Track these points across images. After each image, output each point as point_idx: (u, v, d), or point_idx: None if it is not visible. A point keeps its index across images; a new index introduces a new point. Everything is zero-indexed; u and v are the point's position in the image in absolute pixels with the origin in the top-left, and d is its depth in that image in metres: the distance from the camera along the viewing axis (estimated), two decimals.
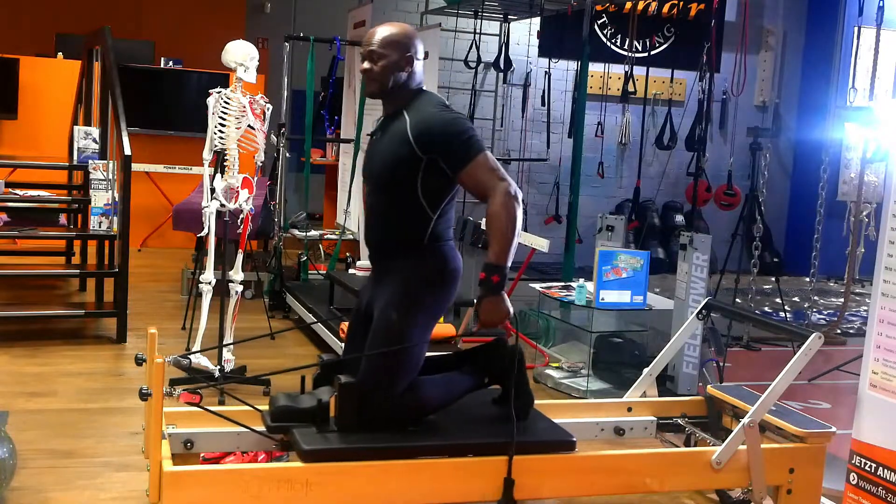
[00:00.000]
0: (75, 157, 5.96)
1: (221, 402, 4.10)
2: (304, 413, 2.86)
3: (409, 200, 2.90)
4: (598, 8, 9.14)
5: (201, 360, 4.49)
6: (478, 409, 3.11)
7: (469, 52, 8.47)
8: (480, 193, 2.85)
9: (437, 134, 2.84)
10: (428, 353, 3.03)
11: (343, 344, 3.17)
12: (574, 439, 2.97)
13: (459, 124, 2.87)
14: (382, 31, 2.96)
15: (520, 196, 2.84)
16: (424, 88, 3.03)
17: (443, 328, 4.49)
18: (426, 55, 3.04)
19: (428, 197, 2.90)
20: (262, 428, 2.94)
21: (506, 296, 2.84)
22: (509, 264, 2.82)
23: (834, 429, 3.18)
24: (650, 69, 8.82)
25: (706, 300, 3.75)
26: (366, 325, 3.00)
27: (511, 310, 2.83)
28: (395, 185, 2.92)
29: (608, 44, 9.70)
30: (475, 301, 2.88)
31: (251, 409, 2.99)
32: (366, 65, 2.94)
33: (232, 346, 4.64)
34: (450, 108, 2.97)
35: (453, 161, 2.84)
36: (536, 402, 3.16)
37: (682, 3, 9.70)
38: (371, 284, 3.09)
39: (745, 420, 3.04)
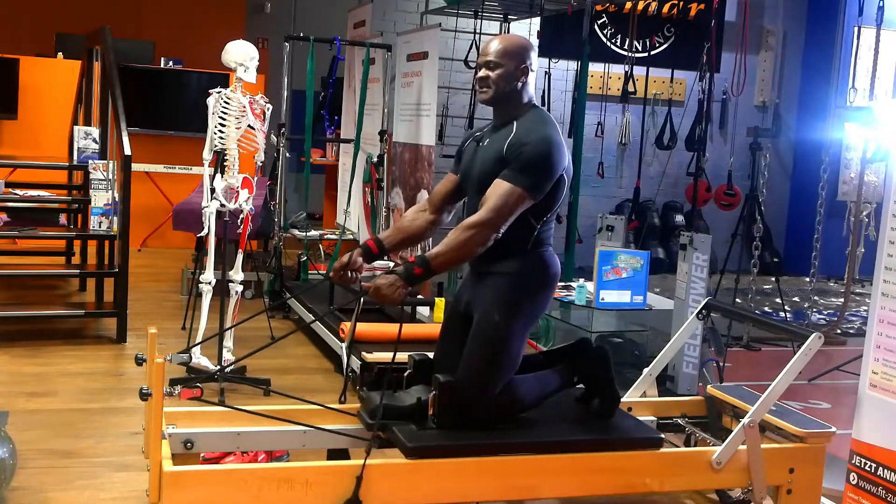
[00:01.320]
0: (75, 157, 5.96)
1: (222, 402, 4.09)
2: (404, 411, 2.93)
3: None
4: (598, 8, 9.14)
5: (201, 360, 4.50)
6: (565, 407, 3.21)
7: (469, 52, 8.47)
8: (482, 204, 2.90)
9: (527, 144, 2.89)
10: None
11: (437, 343, 3.21)
12: (662, 437, 3.08)
13: (546, 152, 2.89)
14: (501, 42, 3.05)
15: (489, 244, 2.88)
16: (536, 104, 3.08)
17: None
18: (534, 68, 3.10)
19: (532, 208, 2.93)
20: (331, 425, 2.99)
21: (409, 289, 2.87)
22: (436, 274, 2.90)
23: (834, 429, 3.18)
24: (650, 69, 8.82)
25: (706, 300, 3.75)
26: (463, 325, 3.07)
27: (401, 301, 2.86)
28: None
29: (608, 44, 9.70)
30: (386, 272, 2.92)
31: (312, 404, 3.03)
32: (482, 73, 3.03)
33: (232, 346, 4.65)
34: (558, 134, 2.98)
35: (509, 168, 2.88)
36: None
37: (682, 3, 9.69)
38: (470, 286, 3.13)
39: (745, 420, 3.04)
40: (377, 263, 5.50)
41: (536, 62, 3.10)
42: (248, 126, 4.55)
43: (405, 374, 3.10)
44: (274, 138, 6.48)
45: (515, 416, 3.03)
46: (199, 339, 4.56)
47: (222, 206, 4.51)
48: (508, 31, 8.69)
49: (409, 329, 4.58)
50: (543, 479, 2.89)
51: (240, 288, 4.71)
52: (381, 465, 2.74)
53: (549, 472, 2.90)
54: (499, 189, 2.87)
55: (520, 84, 3.02)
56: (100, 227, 5.53)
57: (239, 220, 4.61)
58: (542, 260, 3.03)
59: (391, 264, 5.02)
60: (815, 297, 7.16)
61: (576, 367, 3.20)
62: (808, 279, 6.79)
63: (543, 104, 9.19)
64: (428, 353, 3.18)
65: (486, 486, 2.84)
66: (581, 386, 3.26)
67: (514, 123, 3.00)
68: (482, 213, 2.87)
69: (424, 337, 4.41)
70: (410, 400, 2.96)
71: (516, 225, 2.94)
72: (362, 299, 3.54)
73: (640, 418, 3.45)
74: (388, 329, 4.61)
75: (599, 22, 9.63)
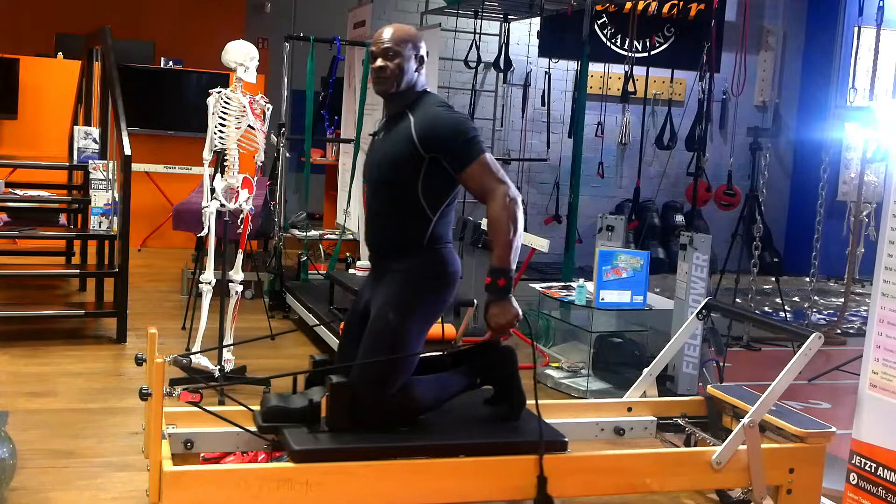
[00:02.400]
0: (75, 157, 5.96)
1: (221, 403, 4.09)
2: (295, 413, 2.86)
3: (409, 201, 2.91)
4: (598, 8, 9.14)
5: (201, 360, 4.49)
6: (470, 409, 3.11)
7: (469, 52, 8.48)
8: (480, 194, 2.87)
9: (442, 133, 2.86)
10: (423, 354, 3.03)
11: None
12: (566, 439, 2.97)
13: (464, 125, 2.89)
14: (394, 30, 2.98)
15: (519, 198, 2.86)
16: (428, 90, 3.05)
17: (443, 328, 4.48)
18: (427, 55, 3.06)
19: (428, 198, 2.91)
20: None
21: (513, 299, 2.84)
22: (514, 266, 2.83)
23: (834, 429, 3.18)
24: (650, 69, 8.82)
25: (706, 300, 3.76)
26: (362, 324, 3.00)
27: (520, 312, 2.83)
28: (396, 185, 2.93)
29: (608, 44, 9.70)
30: (485, 306, 2.87)
31: (247, 409, 2.98)
32: (380, 62, 2.94)
33: (232, 347, 4.64)
34: (453, 108, 2.99)
35: (456, 161, 2.86)
36: (540, 402, 3.16)
37: (682, 3, 9.69)
38: (370, 284, 3.09)
39: (745, 420, 3.04)
40: (361, 264, 5.51)
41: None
42: (248, 126, 4.55)
43: (306, 376, 3.04)
44: (274, 138, 6.48)
45: (413, 418, 2.93)
46: (199, 339, 4.56)
47: (222, 206, 4.51)
48: (508, 32, 8.70)
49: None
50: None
51: (240, 288, 4.71)
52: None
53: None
54: (475, 174, 2.84)
55: (416, 74, 2.98)
56: (100, 227, 5.53)
57: (239, 220, 4.61)
58: (440, 257, 2.96)
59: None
60: (815, 297, 7.16)
61: (481, 369, 3.11)
62: (808, 279, 6.79)
63: (543, 104, 9.21)
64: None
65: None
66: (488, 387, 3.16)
67: (409, 113, 2.94)
68: (490, 194, 2.82)
69: (434, 337, 4.39)
70: (302, 402, 2.88)
71: (411, 219, 2.91)
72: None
73: (641, 418, 3.46)
74: None
75: (599, 22, 9.63)
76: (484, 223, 6.34)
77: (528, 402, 3.09)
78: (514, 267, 2.83)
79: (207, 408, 2.92)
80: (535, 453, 2.85)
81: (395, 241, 2.96)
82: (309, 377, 3.04)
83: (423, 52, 2.99)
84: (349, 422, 2.83)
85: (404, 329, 2.90)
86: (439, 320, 3.58)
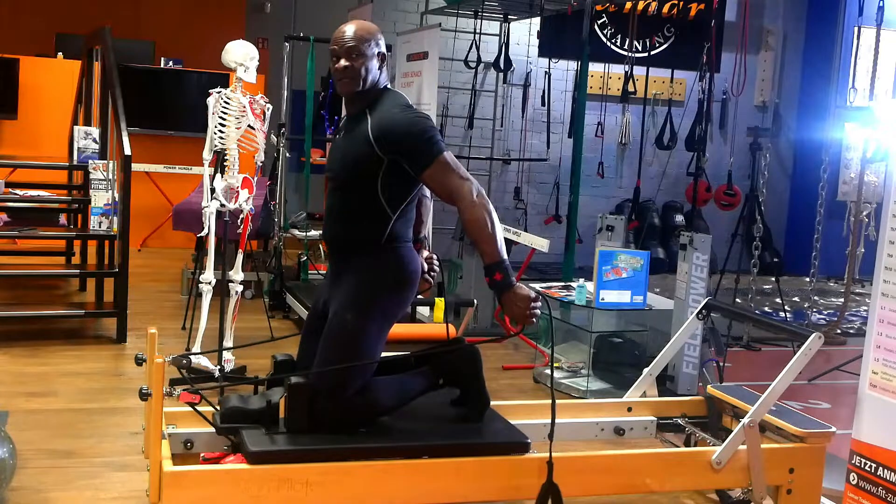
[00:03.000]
0: (75, 157, 5.96)
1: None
2: (253, 414, 2.84)
3: (368, 199, 2.88)
4: (598, 8, 9.14)
5: (201, 361, 4.50)
6: (434, 410, 3.08)
7: (469, 52, 8.47)
8: (444, 194, 2.83)
9: (399, 135, 2.82)
10: (385, 354, 3.00)
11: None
12: (528, 441, 2.94)
13: (420, 124, 2.83)
14: (355, 28, 2.93)
15: (483, 192, 2.82)
16: (389, 87, 3.00)
17: (440, 328, 4.49)
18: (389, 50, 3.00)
19: (388, 197, 2.88)
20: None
21: (520, 285, 2.78)
22: (504, 256, 2.78)
23: (834, 429, 3.18)
24: (650, 69, 8.82)
25: (706, 300, 3.75)
26: (321, 323, 2.97)
27: (531, 293, 2.77)
28: (355, 184, 2.89)
29: (608, 44, 9.70)
30: (499, 305, 2.85)
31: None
32: (343, 62, 2.89)
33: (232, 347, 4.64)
34: (412, 107, 2.93)
35: (415, 162, 2.82)
36: (539, 402, 3.17)
37: (682, 3, 9.69)
38: (328, 283, 3.06)
39: (745, 420, 3.04)
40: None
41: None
42: (248, 126, 4.55)
43: (267, 376, 3.01)
44: (274, 138, 6.48)
45: (373, 419, 2.90)
46: (199, 339, 4.56)
47: (222, 206, 4.51)
48: (508, 32, 8.70)
49: (410, 329, 4.57)
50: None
51: (240, 288, 4.71)
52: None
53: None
54: (437, 174, 2.80)
55: (379, 72, 2.94)
56: (100, 227, 5.53)
57: (239, 220, 4.61)
58: (398, 256, 2.93)
59: None
60: (815, 297, 7.16)
61: (442, 369, 3.07)
62: (808, 279, 6.79)
63: (543, 104, 9.20)
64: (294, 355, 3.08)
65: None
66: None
67: (367, 113, 2.89)
68: (455, 194, 2.78)
69: (425, 337, 4.40)
70: (261, 403, 2.85)
71: (370, 217, 2.88)
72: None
73: (641, 418, 3.46)
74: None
75: (599, 22, 9.63)
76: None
77: (493, 402, 3.09)
78: (504, 256, 2.78)
79: (200, 409, 2.91)
80: (498, 454, 2.85)
81: (354, 239, 2.93)
82: (271, 377, 3.00)
83: (383, 48, 2.95)
84: (307, 423, 2.80)
85: (363, 329, 2.86)
86: (443, 322, 3.59)
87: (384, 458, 2.77)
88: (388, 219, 2.89)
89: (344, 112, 3.05)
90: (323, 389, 2.81)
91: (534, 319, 2.77)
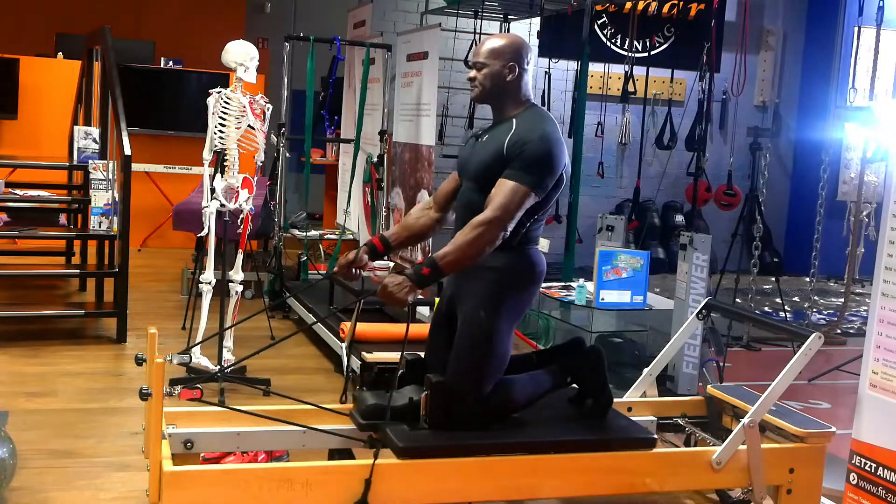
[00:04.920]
0: (75, 157, 5.96)
1: (221, 402, 4.09)
2: (395, 411, 2.93)
3: None
4: (598, 8, 9.14)
5: (201, 360, 4.50)
6: (558, 407, 3.21)
7: (469, 52, 8.47)
8: (487, 203, 2.88)
9: (525, 144, 2.89)
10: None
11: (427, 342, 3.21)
12: (655, 437, 3.08)
13: (547, 150, 2.90)
14: (491, 42, 3.10)
15: (503, 236, 2.87)
16: (535, 103, 3.10)
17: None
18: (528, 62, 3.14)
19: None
20: (331, 426, 3.00)
21: (417, 291, 2.86)
22: (442, 272, 2.86)
23: (834, 429, 3.18)
24: (650, 69, 8.82)
25: (706, 300, 3.75)
26: (448, 320, 3.07)
27: (408, 303, 2.85)
28: (492, 187, 2.94)
29: (608, 44, 9.70)
30: (394, 272, 2.95)
31: (308, 404, 3.03)
32: (472, 73, 3.10)
33: (232, 346, 4.65)
34: (557, 132, 2.99)
35: (511, 168, 2.88)
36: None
37: (682, 3, 9.69)
38: (454, 282, 3.12)
39: (745, 420, 3.04)
40: (377, 263, 5.51)
41: (532, 61, 3.12)
42: (248, 126, 4.55)
43: (398, 374, 3.09)
44: (274, 138, 6.48)
45: (508, 415, 3.01)
46: (199, 339, 4.56)
47: (222, 206, 4.51)
48: (508, 31, 8.69)
49: (410, 329, 4.57)
50: (537, 480, 2.88)
51: (240, 288, 4.71)
52: (378, 466, 2.73)
53: (543, 473, 2.89)
54: (504, 188, 2.87)
55: (509, 82, 3.04)
56: (100, 227, 5.53)
57: (239, 220, 4.61)
58: (529, 257, 3.02)
59: (391, 264, 5.02)
60: (815, 297, 7.16)
61: (569, 367, 3.19)
62: (808, 279, 6.79)
63: (543, 104, 9.19)
64: (422, 353, 3.18)
65: (478, 486, 2.83)
66: (575, 386, 3.25)
67: (514, 121, 3.00)
68: (489, 211, 2.85)
69: (424, 337, 4.40)
70: (402, 400, 2.96)
71: None
72: (362, 299, 3.56)
73: (641, 418, 3.46)
74: (388, 329, 4.61)
75: (599, 22, 9.63)
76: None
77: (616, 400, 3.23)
78: (443, 271, 2.85)
79: (208, 408, 2.92)
80: (626, 450, 2.99)
81: None
82: (403, 376, 3.08)
83: (518, 60, 3.07)
84: (447, 420, 2.90)
85: (495, 327, 2.95)
86: None
87: (523, 452, 2.91)
88: (523, 225, 2.96)
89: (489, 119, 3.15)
90: (461, 387, 2.91)
91: (379, 296, 2.84)
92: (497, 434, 2.95)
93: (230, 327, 4.58)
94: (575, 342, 3.26)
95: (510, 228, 2.88)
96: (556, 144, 2.94)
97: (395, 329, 4.57)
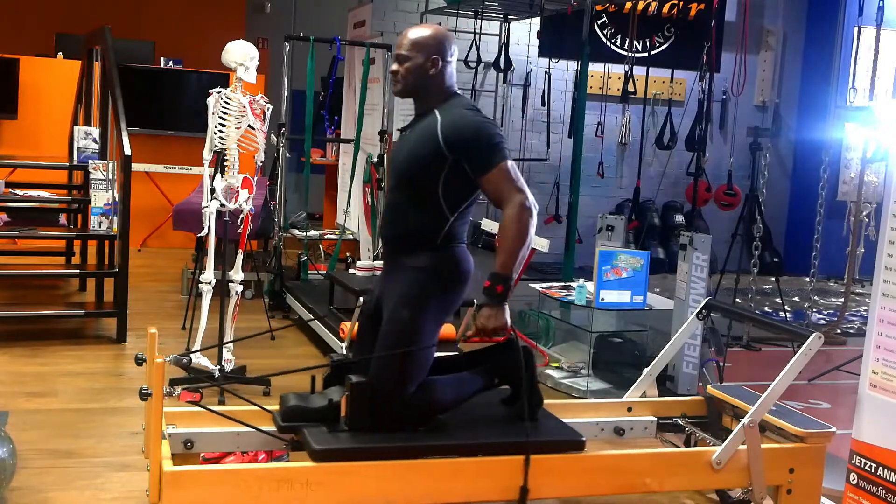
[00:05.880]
0: (75, 157, 5.96)
1: (221, 402, 4.09)
2: (315, 413, 2.88)
3: (428, 199, 2.93)
4: (598, 8, 9.14)
5: (201, 360, 4.49)
6: (487, 409, 3.13)
7: (469, 52, 8.47)
8: (497, 201, 2.89)
9: (467, 135, 2.88)
10: (437, 354, 3.04)
11: (343, 343, 3.18)
12: (584, 439, 2.99)
13: (489, 129, 2.91)
14: (412, 34, 3.02)
15: (535, 209, 2.88)
16: (458, 92, 3.06)
17: (444, 329, 4.49)
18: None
19: (448, 198, 2.93)
20: (268, 427, 2.95)
21: (506, 307, 2.85)
22: (515, 276, 2.85)
23: (834, 429, 3.18)
24: (650, 69, 8.82)
25: (706, 300, 3.75)
26: (375, 321, 3.02)
27: (509, 321, 2.85)
28: (417, 182, 2.94)
29: (608, 44, 9.70)
30: (476, 307, 2.91)
31: (257, 408, 2.98)
32: (394, 66, 3.02)
33: (232, 346, 4.64)
34: (481, 112, 3.01)
35: (477, 164, 2.88)
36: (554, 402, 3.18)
37: (682, 3, 9.69)
38: (382, 281, 3.10)
39: (745, 420, 3.04)
40: (361, 264, 5.51)
41: (456, 53, 3.07)
42: (248, 126, 4.55)
43: (324, 376, 3.04)
44: (274, 138, 6.48)
45: (432, 417, 2.95)
46: (199, 339, 4.56)
47: (222, 206, 4.51)
48: (508, 32, 8.70)
49: None
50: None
51: (240, 288, 4.71)
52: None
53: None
54: (493, 179, 2.86)
55: (432, 76, 2.99)
56: (100, 227, 5.53)
57: (239, 220, 4.61)
58: (454, 256, 2.98)
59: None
60: (815, 297, 7.15)
61: (498, 368, 3.12)
62: (808, 279, 6.79)
63: (543, 104, 9.20)
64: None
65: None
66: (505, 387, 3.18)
67: (436, 112, 2.96)
68: (506, 202, 2.84)
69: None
70: (322, 402, 2.90)
71: (429, 216, 2.93)
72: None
73: (641, 418, 3.46)
74: None
75: (599, 22, 9.63)
76: (483, 223, 6.34)
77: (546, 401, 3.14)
78: (514, 276, 2.84)
79: (211, 408, 2.92)
80: (555, 452, 2.90)
81: (411, 236, 2.98)
82: (327, 377, 3.04)
83: (441, 53, 2.99)
84: (369, 421, 2.85)
85: (419, 327, 2.91)
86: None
87: (445, 455, 2.82)
88: (446, 219, 2.94)
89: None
90: (382, 388, 2.86)
91: (490, 338, 2.87)
92: (419, 437, 2.87)
93: (232, 340, 4.59)
94: (506, 343, 3.17)
95: (530, 196, 2.87)
96: (485, 118, 2.96)
97: None
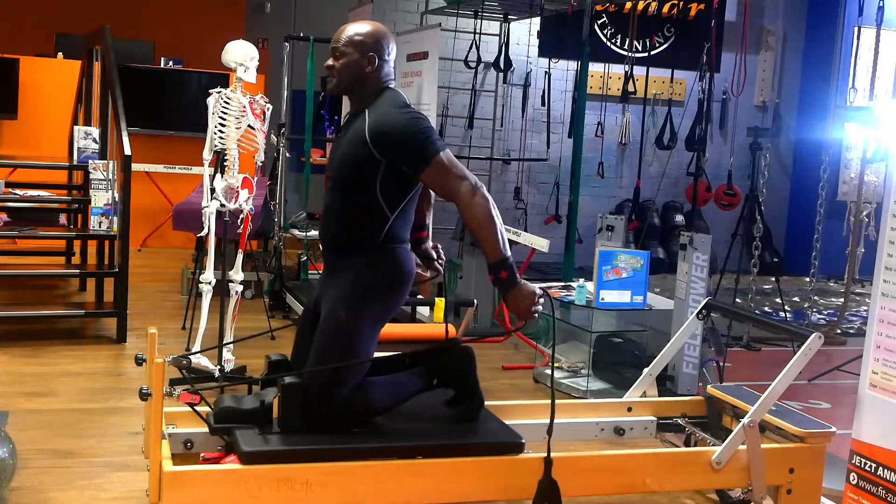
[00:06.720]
0: (75, 157, 5.96)
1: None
2: (247, 414, 2.82)
3: (366, 199, 2.87)
4: (598, 8, 9.14)
5: (201, 360, 4.49)
6: (429, 410, 3.08)
7: (469, 52, 8.47)
8: (444, 194, 2.84)
9: (394, 136, 2.81)
10: (379, 354, 2.99)
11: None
12: (522, 441, 2.93)
13: (415, 125, 2.82)
14: (348, 30, 2.96)
15: (482, 187, 2.81)
16: (391, 87, 2.99)
17: (439, 328, 4.49)
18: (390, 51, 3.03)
19: (387, 196, 2.87)
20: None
21: (524, 282, 2.79)
22: (508, 253, 2.79)
23: (834, 429, 3.18)
24: (650, 69, 8.82)
25: (706, 300, 3.75)
26: (314, 323, 2.96)
27: (536, 289, 2.78)
28: (353, 183, 2.88)
29: (608, 44, 9.70)
30: (503, 301, 2.86)
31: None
32: (329, 62, 2.96)
33: (232, 346, 4.64)
34: (409, 107, 2.92)
35: (412, 163, 2.81)
36: (538, 402, 3.16)
37: (682, 3, 9.69)
38: (321, 282, 3.05)
39: (745, 420, 3.04)
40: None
41: (394, 51, 3.01)
42: (248, 126, 4.55)
43: (261, 376, 3.00)
44: (274, 138, 6.48)
45: (367, 419, 2.89)
46: (199, 339, 4.56)
47: (222, 206, 4.51)
48: (508, 32, 8.70)
49: (410, 329, 4.57)
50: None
51: (240, 288, 4.71)
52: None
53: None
54: (434, 173, 2.80)
55: (367, 73, 2.93)
56: (100, 227, 5.53)
57: (239, 220, 4.61)
58: (394, 257, 2.91)
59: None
60: (815, 297, 7.16)
61: (437, 369, 3.06)
62: (808, 279, 6.79)
63: (543, 104, 9.21)
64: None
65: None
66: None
67: (366, 114, 2.89)
68: (454, 191, 2.78)
69: (424, 337, 4.40)
70: (254, 403, 2.84)
71: (368, 216, 2.87)
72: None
73: (641, 418, 3.46)
74: (387, 329, 4.60)
75: (599, 22, 9.63)
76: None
77: (491, 402, 3.10)
78: (508, 253, 2.78)
79: (198, 409, 2.91)
80: (493, 454, 2.85)
81: (350, 238, 2.91)
82: (265, 377, 2.99)
83: (378, 50, 2.93)
84: (301, 423, 2.79)
85: (355, 328, 2.85)
86: (443, 322, 3.59)
87: (378, 458, 2.76)
88: (385, 219, 2.89)
89: (346, 111, 3.07)
90: (316, 389, 2.80)
91: (535, 315, 2.79)
92: (351, 438, 2.80)
93: (232, 340, 4.59)
94: (447, 343, 3.13)
95: (472, 177, 2.80)
96: (411, 113, 2.87)
97: (395, 329, 4.56)
